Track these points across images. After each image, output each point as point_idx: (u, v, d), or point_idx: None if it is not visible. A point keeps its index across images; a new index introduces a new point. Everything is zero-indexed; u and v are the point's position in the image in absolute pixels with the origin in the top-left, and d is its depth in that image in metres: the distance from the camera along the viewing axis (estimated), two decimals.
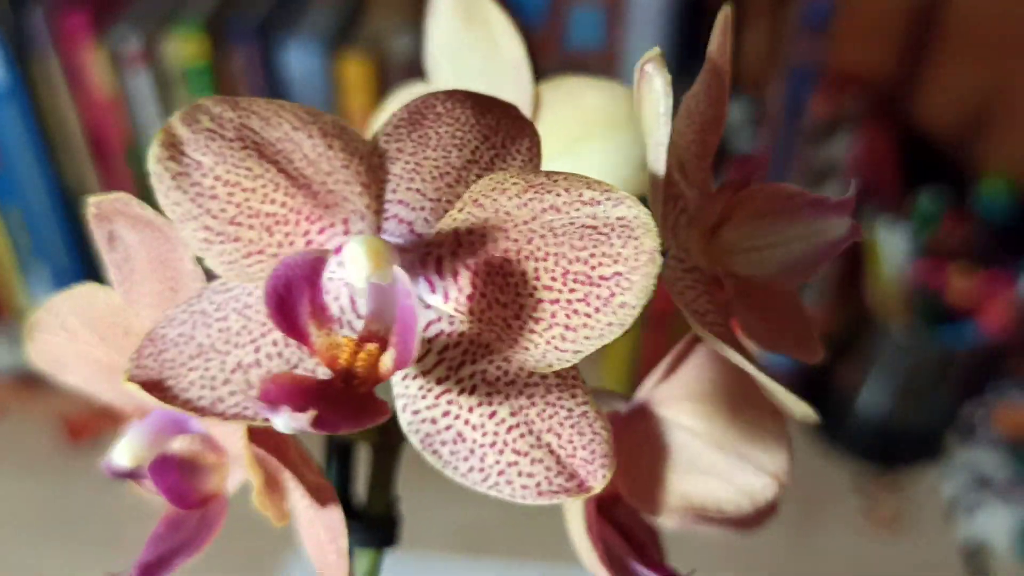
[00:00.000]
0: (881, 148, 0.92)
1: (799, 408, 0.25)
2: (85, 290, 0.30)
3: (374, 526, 0.33)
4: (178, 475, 0.28)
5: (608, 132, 0.32)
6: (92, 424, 0.92)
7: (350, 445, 0.35)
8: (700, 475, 0.30)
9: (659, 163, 0.25)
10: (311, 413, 0.20)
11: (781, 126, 0.84)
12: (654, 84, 0.25)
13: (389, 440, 0.33)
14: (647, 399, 0.31)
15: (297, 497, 0.28)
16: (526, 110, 0.32)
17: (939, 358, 0.85)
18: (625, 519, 0.32)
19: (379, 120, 0.36)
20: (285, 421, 0.21)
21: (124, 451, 0.29)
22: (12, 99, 0.89)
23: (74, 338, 0.31)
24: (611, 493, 0.31)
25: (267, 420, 0.22)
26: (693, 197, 0.27)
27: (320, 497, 0.28)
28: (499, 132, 0.24)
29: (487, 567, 0.78)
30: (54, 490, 0.84)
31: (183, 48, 0.90)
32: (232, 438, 0.28)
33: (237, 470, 0.30)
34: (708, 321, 0.26)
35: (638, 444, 0.30)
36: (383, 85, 0.92)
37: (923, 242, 0.84)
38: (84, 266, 1.02)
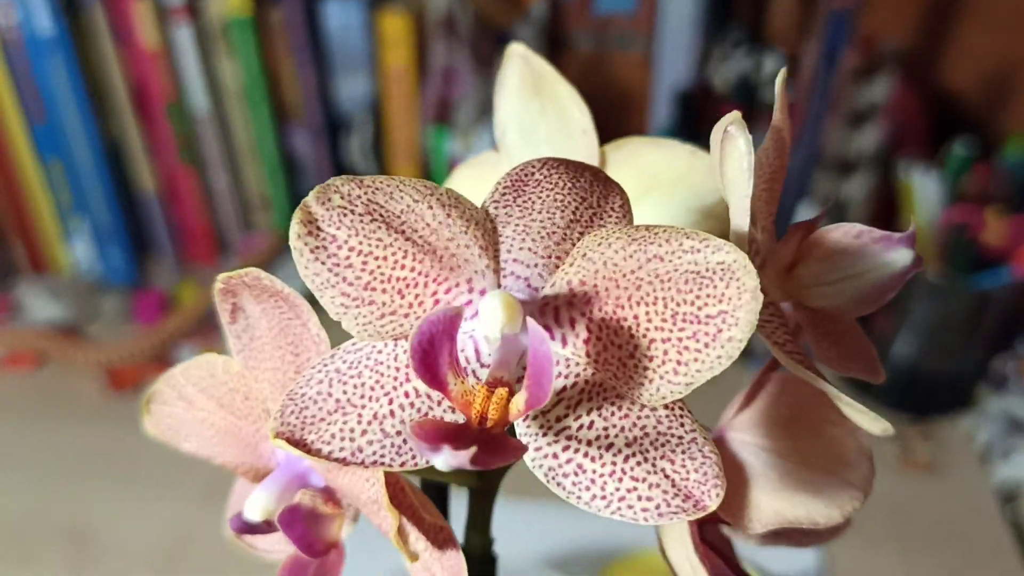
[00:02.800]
0: (911, 104, 0.93)
1: (876, 425, 0.26)
2: (203, 360, 0.33)
3: (474, 566, 0.34)
4: (305, 525, 0.30)
5: (668, 186, 0.34)
6: (134, 374, 0.93)
7: (446, 489, 0.37)
8: (790, 492, 0.32)
9: (744, 214, 0.28)
10: (472, 450, 0.22)
11: (818, 75, 0.85)
12: (738, 143, 0.27)
13: (487, 484, 0.35)
14: (728, 427, 0.34)
15: (414, 539, 0.30)
16: None
17: (972, 304, 0.86)
18: (713, 538, 0.35)
19: (455, 184, 0.39)
20: (446, 459, 0.22)
21: (255, 506, 0.30)
22: (58, 49, 0.90)
23: (191, 407, 0.34)
24: (709, 516, 0.33)
25: (409, 463, 0.25)
26: (764, 241, 0.30)
27: (439, 538, 0.30)
28: (594, 193, 0.27)
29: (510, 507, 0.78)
30: (98, 437, 0.84)
31: (226, 1, 0.91)
32: (355, 488, 0.30)
33: (350, 521, 0.32)
34: (788, 350, 0.28)
35: (728, 468, 0.32)
36: (421, 39, 0.93)
37: (957, 188, 0.85)
38: (124, 221, 1.03)
